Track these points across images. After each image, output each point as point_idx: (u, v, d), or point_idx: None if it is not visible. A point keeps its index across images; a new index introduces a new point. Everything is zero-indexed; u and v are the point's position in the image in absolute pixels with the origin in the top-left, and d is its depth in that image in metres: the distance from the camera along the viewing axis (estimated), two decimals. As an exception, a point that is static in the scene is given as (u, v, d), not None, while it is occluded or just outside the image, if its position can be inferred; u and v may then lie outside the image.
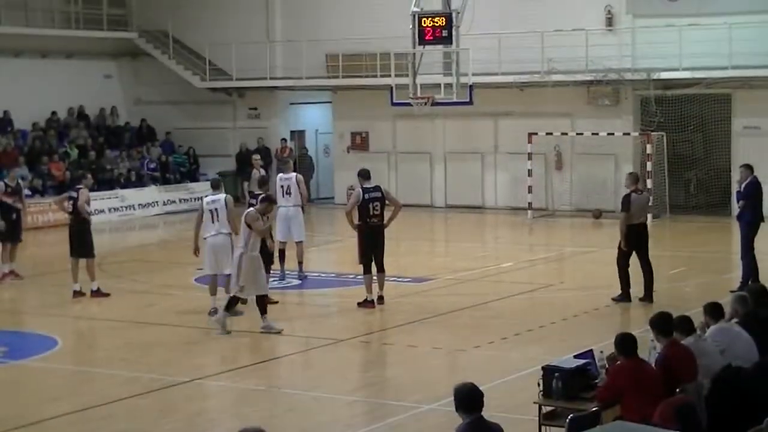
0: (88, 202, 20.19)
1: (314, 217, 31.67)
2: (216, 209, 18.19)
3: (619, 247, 18.65)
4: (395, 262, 19.58)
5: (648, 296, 18.67)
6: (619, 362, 10.23)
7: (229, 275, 17.66)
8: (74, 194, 20.36)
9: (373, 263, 18.48)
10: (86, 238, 20.36)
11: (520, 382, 13.67)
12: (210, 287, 18.43)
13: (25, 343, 16.93)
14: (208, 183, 20.24)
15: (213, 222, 18.21)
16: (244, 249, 16.79)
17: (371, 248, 18.52)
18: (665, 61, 30.49)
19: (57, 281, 22.50)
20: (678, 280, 21.38)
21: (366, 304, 18.57)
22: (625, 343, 10.15)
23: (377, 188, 18.66)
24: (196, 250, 18.73)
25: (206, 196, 18.72)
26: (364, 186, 18.57)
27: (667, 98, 31.23)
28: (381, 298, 18.65)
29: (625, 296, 18.65)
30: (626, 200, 18.71)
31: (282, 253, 21.20)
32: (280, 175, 21.93)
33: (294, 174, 21.67)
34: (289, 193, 21.29)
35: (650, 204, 19.24)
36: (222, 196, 18.40)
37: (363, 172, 18.92)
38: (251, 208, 17.41)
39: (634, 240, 18.60)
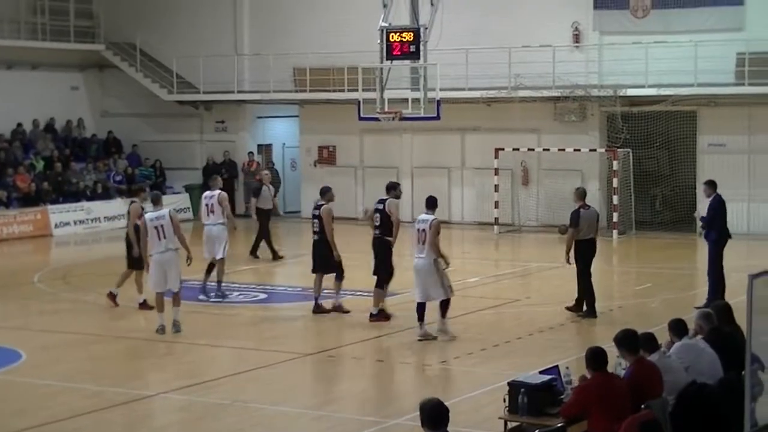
0: (137, 216, 19.39)
1: (281, 231, 31.60)
2: (162, 225, 17.78)
3: (576, 262, 18.86)
4: (363, 276, 19.59)
5: (579, 309, 18.87)
6: (587, 377, 10.26)
7: (176, 292, 17.87)
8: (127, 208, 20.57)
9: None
10: (129, 251, 19.95)
11: (486, 397, 13.69)
12: (157, 304, 18.12)
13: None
14: (175, 195, 20.11)
15: (159, 239, 17.79)
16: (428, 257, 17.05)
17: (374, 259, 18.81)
18: (632, 78, 30.71)
19: (21, 294, 22.37)
20: (643, 296, 21.49)
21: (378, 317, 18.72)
22: (596, 357, 10.18)
23: (381, 201, 18.79)
24: (147, 266, 18.47)
25: (147, 213, 18.26)
26: (380, 198, 18.88)
27: (633, 115, 31.43)
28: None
29: (590, 311, 18.80)
30: (575, 216, 18.86)
31: (210, 266, 21.18)
32: (206, 192, 21.77)
33: (218, 192, 21.36)
34: (212, 212, 21.12)
35: (598, 220, 19.40)
36: (165, 211, 18.05)
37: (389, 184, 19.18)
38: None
39: (581, 255, 18.79)
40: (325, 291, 19.67)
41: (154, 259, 17.98)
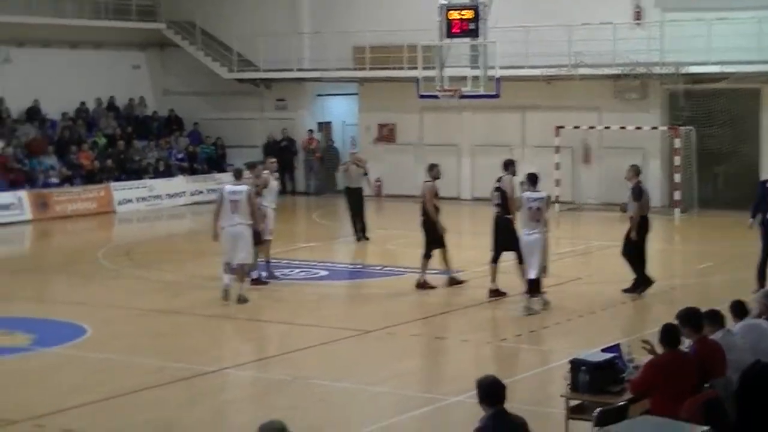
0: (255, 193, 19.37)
1: (340, 209, 31.67)
2: (238, 200, 18.25)
3: (628, 238, 18.74)
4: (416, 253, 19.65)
5: (636, 289, 18.72)
6: (657, 353, 10.15)
7: (241, 265, 18.17)
8: None
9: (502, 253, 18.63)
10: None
11: (547, 375, 13.68)
12: (225, 269, 18.51)
13: (53, 331, 17.01)
14: (228, 174, 20.12)
15: (233, 212, 18.26)
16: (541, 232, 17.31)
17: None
18: (694, 55, 30.33)
19: (85, 270, 22.66)
20: (706, 275, 21.32)
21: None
22: (669, 334, 10.00)
23: (499, 179, 18.70)
24: (216, 237, 18.76)
25: (227, 185, 18.79)
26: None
27: (695, 92, 31.09)
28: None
29: (645, 281, 18.66)
30: (638, 190, 18.79)
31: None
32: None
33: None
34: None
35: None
36: (245, 188, 18.43)
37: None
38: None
39: (644, 231, 18.73)
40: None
41: (226, 231, 18.36)
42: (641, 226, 18.78)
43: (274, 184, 20.96)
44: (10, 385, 13.96)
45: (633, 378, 10.27)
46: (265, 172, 20.69)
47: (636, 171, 19.39)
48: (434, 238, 19.39)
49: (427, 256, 19.47)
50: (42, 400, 13.12)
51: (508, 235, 18.26)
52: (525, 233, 17.51)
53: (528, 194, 17.58)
